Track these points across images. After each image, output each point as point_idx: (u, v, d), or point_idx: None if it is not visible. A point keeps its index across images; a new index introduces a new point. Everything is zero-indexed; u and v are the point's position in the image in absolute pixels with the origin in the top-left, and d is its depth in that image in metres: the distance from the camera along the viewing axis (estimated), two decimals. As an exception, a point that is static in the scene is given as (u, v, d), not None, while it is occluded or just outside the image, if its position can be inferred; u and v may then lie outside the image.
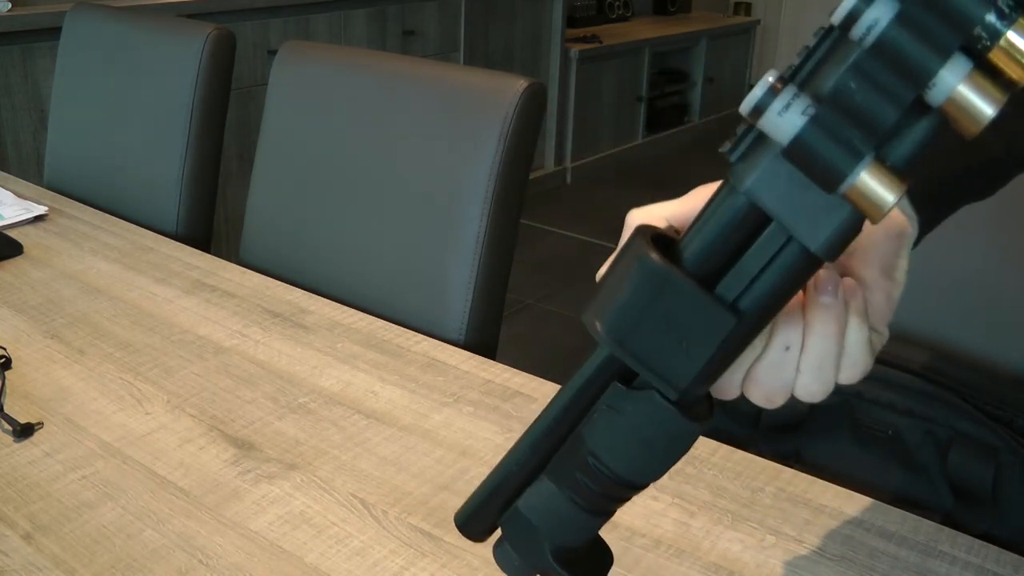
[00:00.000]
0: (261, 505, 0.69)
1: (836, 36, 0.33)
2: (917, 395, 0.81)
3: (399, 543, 0.65)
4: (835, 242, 0.35)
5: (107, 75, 1.54)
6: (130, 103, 1.50)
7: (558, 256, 3.31)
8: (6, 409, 0.80)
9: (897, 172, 0.33)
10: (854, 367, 0.40)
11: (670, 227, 0.42)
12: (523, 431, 0.43)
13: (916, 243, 0.45)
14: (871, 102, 0.32)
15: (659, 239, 0.38)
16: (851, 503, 0.68)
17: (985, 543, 0.64)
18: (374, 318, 0.99)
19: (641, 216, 0.43)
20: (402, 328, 0.97)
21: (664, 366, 0.37)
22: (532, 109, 1.07)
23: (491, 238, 1.08)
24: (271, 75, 1.32)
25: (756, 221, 0.36)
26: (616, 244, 0.42)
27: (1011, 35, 0.31)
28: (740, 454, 0.75)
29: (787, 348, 0.39)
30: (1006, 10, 0.31)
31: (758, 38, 5.42)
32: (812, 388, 0.40)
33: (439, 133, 1.13)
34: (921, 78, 0.32)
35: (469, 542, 0.65)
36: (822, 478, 0.71)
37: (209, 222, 1.48)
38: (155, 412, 0.81)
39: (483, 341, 1.09)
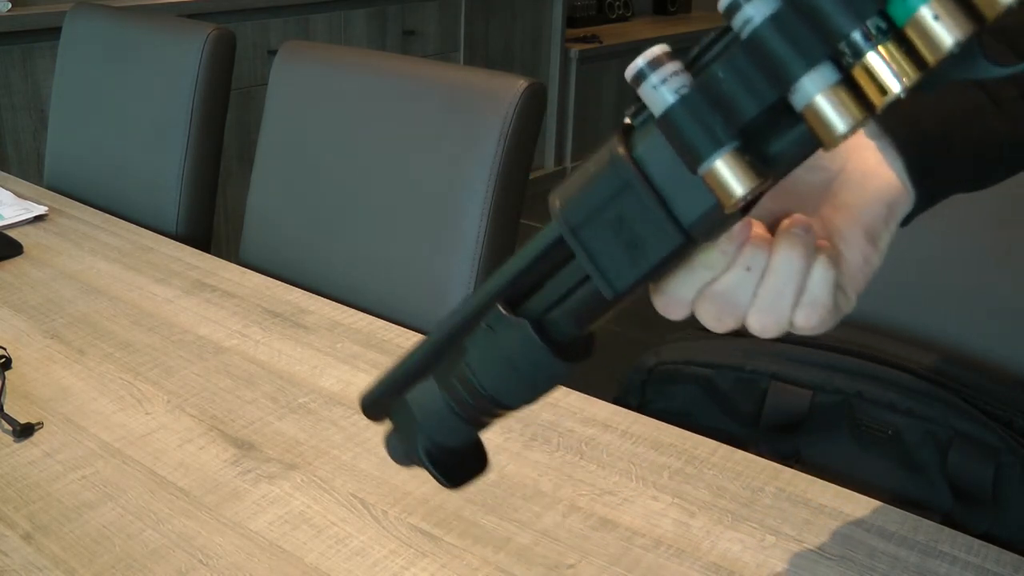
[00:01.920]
0: (261, 505, 0.69)
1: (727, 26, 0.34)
2: (917, 395, 0.81)
3: (399, 543, 0.65)
4: (700, 224, 0.36)
5: (107, 75, 1.54)
6: (130, 103, 1.50)
7: (558, 256, 3.31)
8: (6, 409, 0.80)
9: (756, 168, 0.34)
10: (812, 307, 0.39)
11: None
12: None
13: (908, 220, 0.45)
14: (736, 95, 0.34)
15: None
16: (851, 503, 0.68)
17: (985, 543, 0.64)
18: (374, 318, 0.99)
19: None
20: (402, 328, 0.97)
21: (607, 264, 0.38)
22: (532, 109, 1.07)
23: (491, 238, 1.08)
24: (271, 75, 1.32)
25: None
26: None
27: (870, 56, 0.32)
28: (740, 454, 0.75)
29: (748, 269, 0.39)
30: (874, 32, 0.31)
31: (758, 38, 5.41)
32: (764, 319, 0.39)
33: (439, 133, 1.13)
34: (784, 81, 0.33)
35: (469, 542, 0.65)
36: (822, 478, 0.71)
37: (209, 222, 1.48)
38: (155, 412, 0.81)
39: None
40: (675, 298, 0.40)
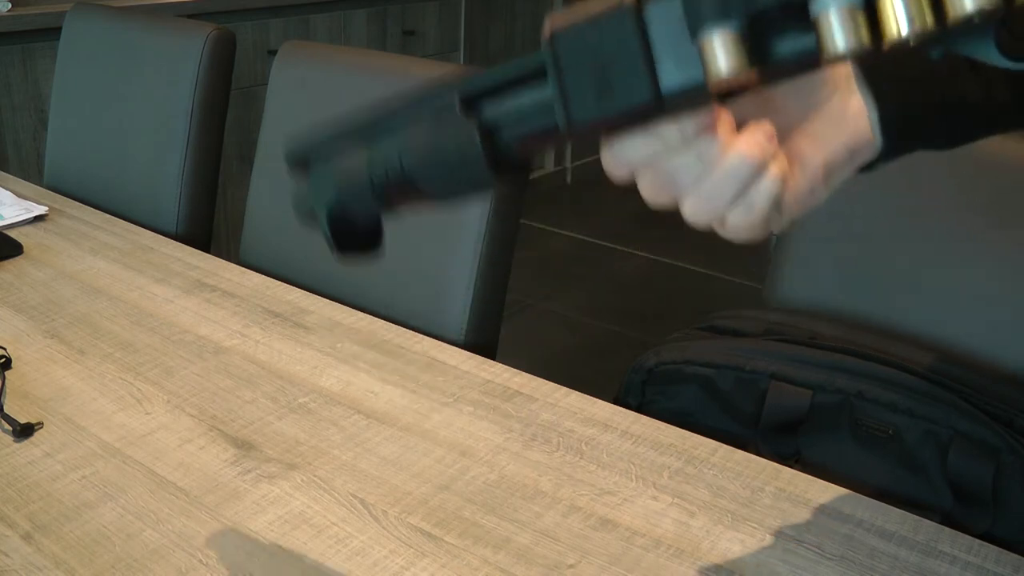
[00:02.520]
0: (261, 505, 0.69)
1: None
2: (917, 395, 0.81)
3: (399, 543, 0.65)
4: (677, 93, 0.36)
5: (107, 75, 1.54)
6: (130, 103, 1.50)
7: (558, 256, 3.31)
8: (6, 409, 0.80)
9: (750, 56, 0.34)
10: (747, 211, 0.40)
11: None
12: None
13: (869, 168, 0.46)
14: None
15: None
16: (851, 503, 0.68)
17: (985, 543, 0.64)
18: (374, 318, 0.99)
19: None
20: (402, 328, 0.97)
21: (573, 94, 0.38)
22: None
23: (491, 238, 1.08)
24: (271, 75, 1.32)
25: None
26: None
27: None
28: (740, 454, 0.75)
29: (699, 158, 0.39)
30: None
31: (758, 38, 5.41)
32: (699, 207, 0.40)
33: (439, 133, 1.13)
34: None
35: (469, 542, 0.65)
36: (822, 478, 0.71)
37: (209, 222, 1.48)
38: (155, 412, 0.81)
39: (483, 341, 1.09)
40: (622, 158, 0.40)
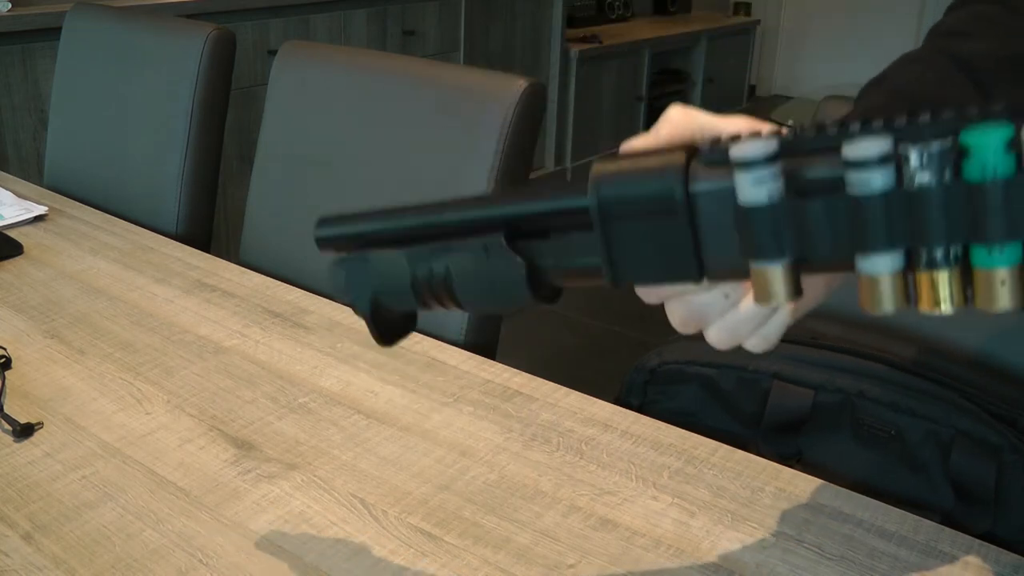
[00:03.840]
0: (261, 505, 0.69)
1: (836, 142, 0.36)
2: (919, 394, 0.81)
3: (399, 543, 0.65)
4: (719, 276, 0.41)
5: (107, 75, 1.54)
6: (130, 103, 1.50)
7: (558, 256, 3.30)
8: (6, 409, 0.80)
9: (799, 284, 0.39)
10: (764, 341, 0.45)
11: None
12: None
13: None
14: (819, 232, 0.37)
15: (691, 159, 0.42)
16: (851, 503, 0.68)
17: (985, 543, 0.64)
18: (374, 318, 0.99)
19: (681, 117, 0.45)
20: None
21: (619, 257, 0.42)
22: (532, 109, 1.07)
23: (491, 238, 1.08)
24: (271, 75, 1.32)
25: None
26: None
27: (940, 273, 0.35)
28: (740, 454, 0.75)
29: (726, 296, 0.44)
30: (951, 256, 0.35)
31: (758, 38, 5.42)
32: (722, 337, 0.45)
33: (439, 133, 1.13)
34: (863, 247, 0.36)
35: (469, 542, 0.65)
36: (824, 478, 0.71)
37: (209, 222, 1.48)
38: (155, 412, 0.81)
39: (483, 341, 1.09)
40: (655, 292, 0.45)
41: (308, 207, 1.26)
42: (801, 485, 0.71)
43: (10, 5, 2.21)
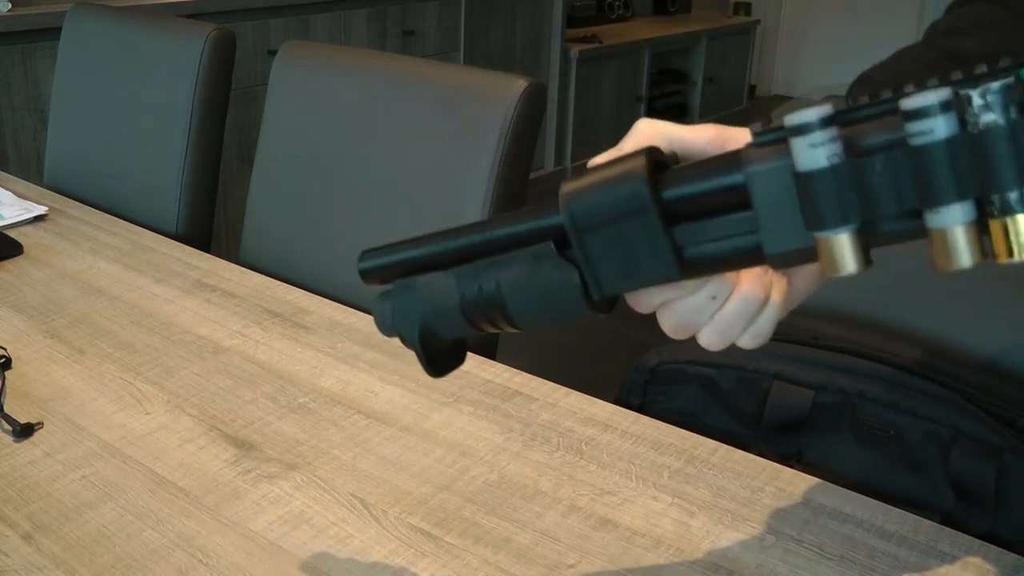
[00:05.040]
0: (261, 505, 0.69)
1: (894, 108, 0.35)
2: (919, 395, 0.81)
3: (399, 543, 0.65)
4: (787, 260, 0.39)
5: (107, 75, 1.54)
6: (130, 103, 1.50)
7: (558, 256, 3.30)
8: (6, 409, 0.80)
9: (867, 251, 0.37)
10: (756, 337, 0.45)
11: (671, 151, 0.45)
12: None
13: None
14: (884, 190, 0.35)
15: (656, 163, 0.41)
16: (851, 503, 0.68)
17: (985, 543, 0.64)
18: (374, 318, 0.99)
19: (649, 128, 0.46)
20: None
21: (599, 269, 0.42)
22: (532, 109, 1.07)
23: (491, 238, 1.08)
24: (271, 75, 1.32)
25: (739, 200, 0.39)
26: None
27: (1019, 218, 0.34)
28: (740, 454, 0.75)
29: (713, 298, 0.44)
30: None
31: (758, 38, 5.42)
32: (714, 338, 0.45)
33: (439, 133, 1.13)
34: (932, 200, 0.35)
35: (469, 542, 0.65)
36: (824, 478, 0.71)
37: (209, 222, 1.48)
38: (155, 412, 0.81)
39: (483, 341, 1.09)
40: (645, 301, 0.45)
41: (308, 207, 1.26)
42: (801, 485, 0.71)
43: (10, 5, 2.21)
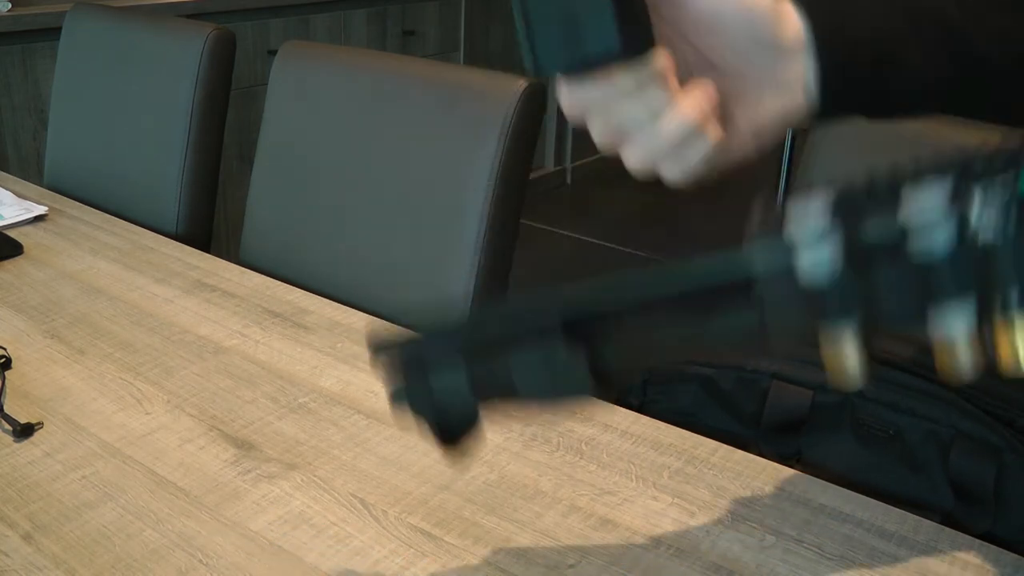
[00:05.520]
0: (261, 505, 0.69)
1: (894, 198, 0.36)
2: (919, 395, 0.81)
3: (399, 543, 0.65)
4: (789, 337, 0.40)
5: (107, 75, 1.54)
6: (130, 103, 1.50)
7: (558, 256, 3.31)
8: (6, 409, 0.80)
9: (870, 351, 0.38)
10: (678, 165, 0.44)
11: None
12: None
13: (830, 116, 0.47)
14: (887, 298, 0.36)
15: None
16: (851, 503, 0.68)
17: (985, 543, 0.64)
18: (374, 318, 0.99)
19: None
20: (402, 328, 0.97)
21: (541, 43, 0.41)
22: (532, 109, 1.07)
23: (491, 238, 1.08)
24: (271, 75, 1.32)
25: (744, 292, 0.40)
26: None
27: (1021, 325, 0.34)
28: (740, 454, 0.75)
29: (649, 110, 0.42)
30: None
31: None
32: (640, 155, 0.44)
33: (439, 133, 1.13)
34: (935, 308, 0.35)
35: (469, 542, 0.65)
36: (824, 478, 0.71)
37: (209, 222, 1.48)
38: (155, 412, 0.81)
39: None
40: (578, 98, 0.43)
41: (308, 207, 1.26)
42: (801, 485, 0.71)
43: (10, 5, 2.21)
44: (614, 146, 0.44)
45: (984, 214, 0.34)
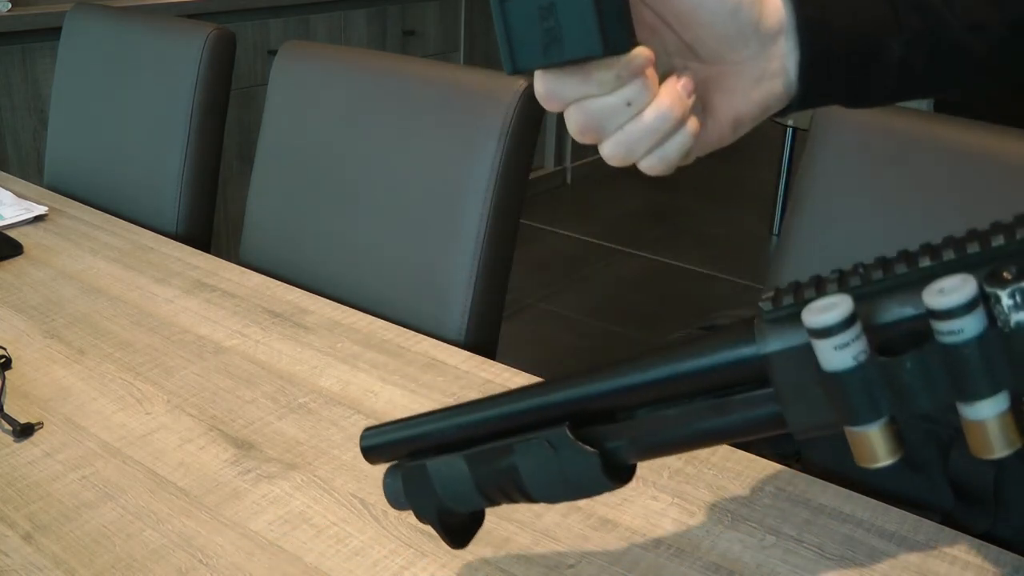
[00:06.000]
0: (261, 505, 0.69)
1: (912, 280, 0.34)
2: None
3: (399, 543, 0.65)
4: (810, 432, 0.39)
5: (107, 75, 1.54)
6: (130, 103, 1.50)
7: (558, 256, 3.31)
8: (6, 409, 0.80)
9: (900, 440, 0.37)
10: (660, 160, 0.43)
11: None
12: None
13: (780, 114, 0.47)
14: (915, 386, 0.35)
15: None
16: (851, 503, 0.68)
17: (985, 543, 0.64)
18: (374, 318, 0.99)
19: None
20: (402, 328, 0.97)
21: (518, 42, 0.39)
22: (532, 109, 1.07)
23: (491, 238, 1.08)
24: (271, 75, 1.32)
25: (756, 375, 0.38)
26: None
27: None
28: (740, 454, 0.75)
29: (628, 104, 0.41)
30: None
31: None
32: (618, 150, 0.42)
33: (439, 133, 1.13)
34: (965, 395, 0.34)
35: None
36: (822, 478, 0.71)
37: (209, 222, 1.48)
38: (155, 412, 0.81)
39: (483, 341, 1.09)
40: (557, 94, 0.42)
41: (308, 207, 1.26)
42: (801, 485, 0.71)
43: (10, 5, 2.21)
44: (591, 139, 0.43)
45: (1014, 304, 0.32)
